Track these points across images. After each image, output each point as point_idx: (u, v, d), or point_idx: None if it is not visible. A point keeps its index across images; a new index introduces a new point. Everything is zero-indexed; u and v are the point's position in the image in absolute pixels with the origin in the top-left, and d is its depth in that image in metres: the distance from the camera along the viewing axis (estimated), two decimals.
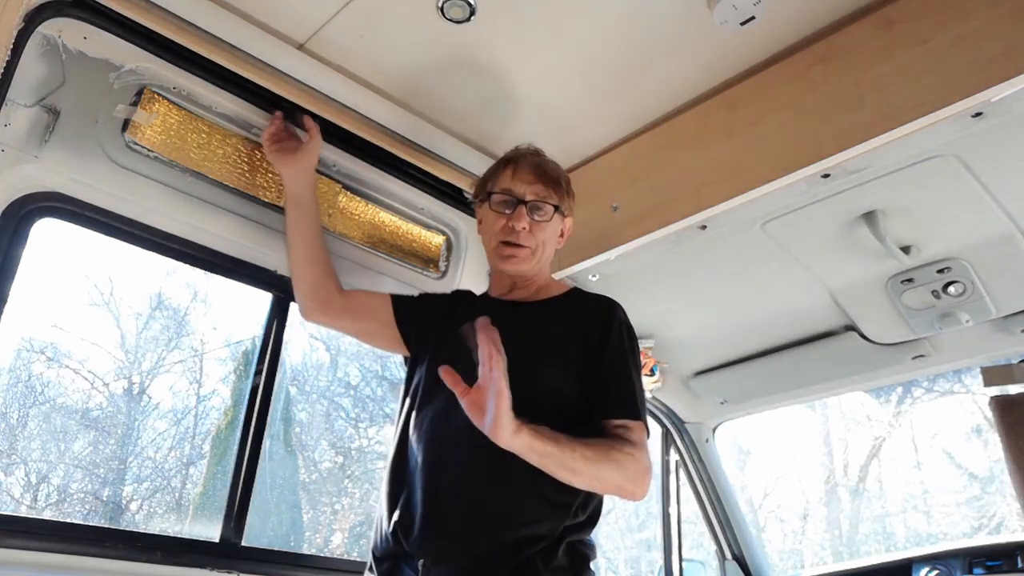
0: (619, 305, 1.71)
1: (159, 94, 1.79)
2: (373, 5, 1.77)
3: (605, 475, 1.43)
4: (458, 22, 1.79)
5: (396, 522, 1.50)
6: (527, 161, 1.75)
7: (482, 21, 1.78)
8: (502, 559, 1.41)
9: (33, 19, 1.56)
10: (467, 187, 2.29)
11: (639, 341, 2.61)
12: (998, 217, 1.92)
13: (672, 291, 2.42)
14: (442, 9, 1.75)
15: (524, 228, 1.69)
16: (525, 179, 1.72)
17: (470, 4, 1.74)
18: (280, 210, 1.95)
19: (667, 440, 3.08)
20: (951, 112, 1.56)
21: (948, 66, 1.56)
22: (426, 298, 1.93)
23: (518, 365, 1.55)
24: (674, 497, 3.06)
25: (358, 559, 2.06)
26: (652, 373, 2.67)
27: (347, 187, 2.13)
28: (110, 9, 1.66)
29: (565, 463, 1.37)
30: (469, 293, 1.92)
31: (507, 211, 1.71)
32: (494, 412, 1.25)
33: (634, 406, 1.55)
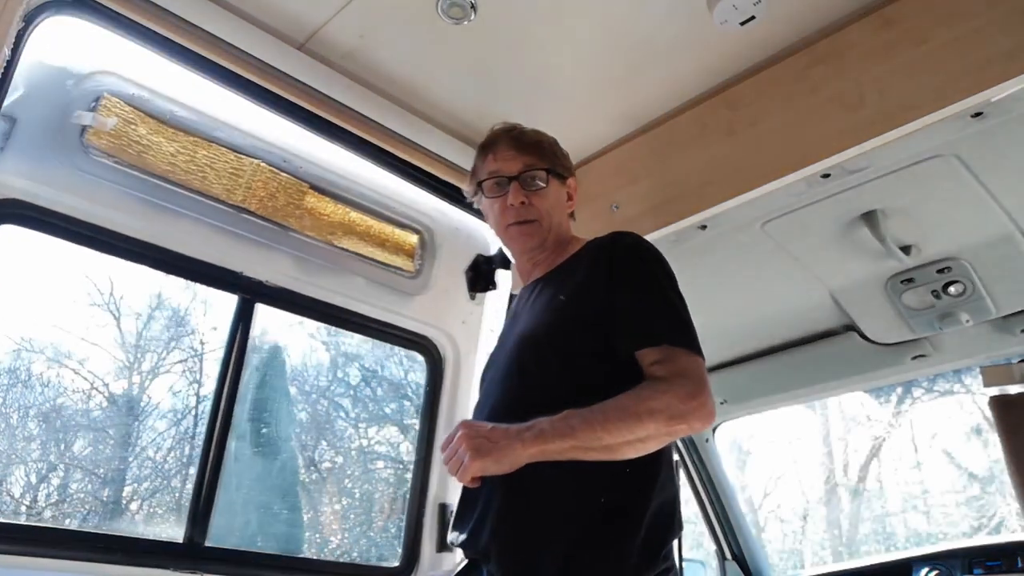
0: (627, 233, 1.57)
1: (118, 100, 1.79)
2: (373, 5, 1.77)
3: (642, 432, 1.27)
4: (458, 22, 1.79)
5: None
6: (503, 139, 1.70)
7: (482, 21, 1.78)
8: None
9: (33, 19, 1.56)
10: (466, 186, 2.30)
11: None
12: (998, 217, 1.91)
13: None
14: (442, 9, 1.75)
15: (523, 201, 1.62)
16: (507, 156, 1.67)
17: (470, 4, 1.74)
18: (248, 212, 1.96)
19: None
20: (951, 112, 1.56)
21: (948, 66, 1.56)
22: None
23: (520, 348, 1.50)
24: None
25: (344, 560, 2.07)
26: None
27: (315, 187, 2.12)
28: (110, 9, 1.66)
29: (591, 446, 1.26)
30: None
31: (501, 193, 1.67)
32: (467, 461, 1.28)
33: (656, 329, 1.37)
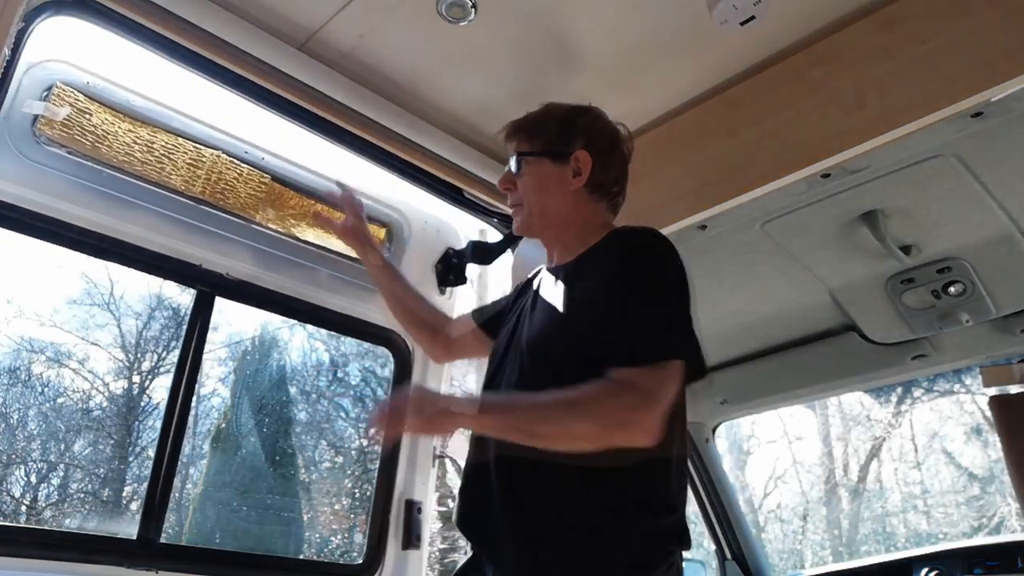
0: (642, 231, 1.50)
1: (71, 88, 1.77)
2: (373, 5, 1.77)
3: (577, 430, 1.28)
4: (458, 22, 1.78)
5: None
6: (509, 127, 1.69)
7: (482, 21, 1.78)
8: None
9: (33, 19, 1.56)
10: (467, 187, 2.29)
11: None
12: (998, 217, 1.91)
13: None
14: (442, 9, 1.75)
15: (508, 189, 1.66)
16: (508, 147, 1.69)
17: (470, 4, 1.74)
18: (207, 203, 1.97)
19: None
20: (951, 112, 1.56)
21: (948, 66, 1.56)
22: (508, 298, 1.86)
23: (532, 342, 1.51)
24: None
25: (312, 558, 2.07)
26: None
27: (277, 178, 2.10)
28: (110, 9, 1.66)
29: (521, 428, 1.30)
30: (540, 271, 1.80)
31: None
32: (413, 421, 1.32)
33: (633, 351, 1.32)
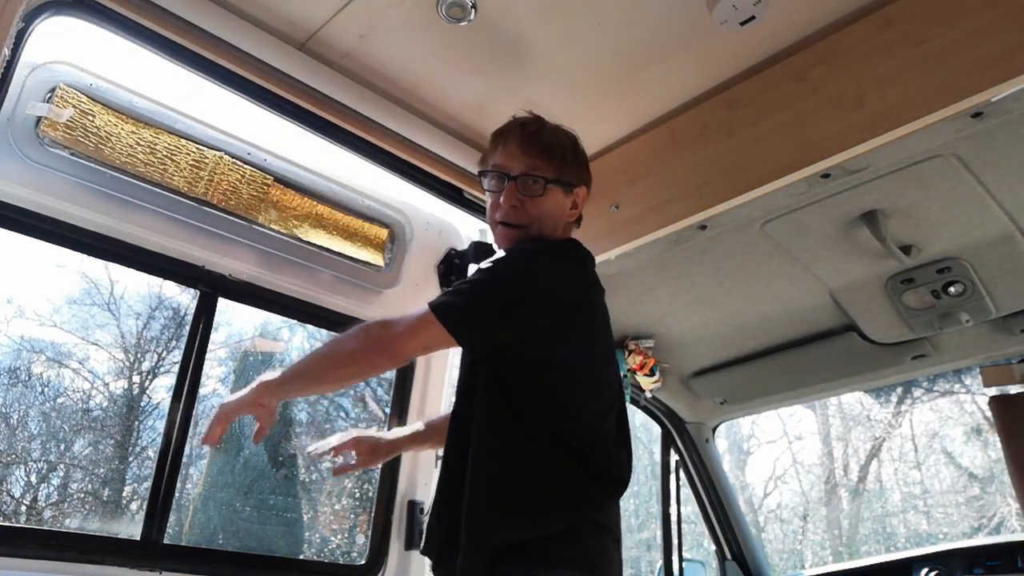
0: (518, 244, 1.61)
1: (74, 90, 1.77)
2: (373, 5, 1.77)
3: (337, 364, 1.49)
4: (458, 22, 1.79)
5: None
6: (515, 134, 1.64)
7: (482, 21, 1.78)
8: None
9: (33, 19, 1.56)
10: (466, 187, 2.29)
11: (640, 341, 2.63)
12: (998, 217, 1.91)
13: (672, 291, 2.42)
14: (442, 9, 1.75)
15: (514, 206, 1.59)
16: (513, 152, 1.61)
17: (470, 4, 1.73)
18: (210, 205, 1.97)
19: (667, 440, 3.08)
20: (951, 112, 1.56)
21: (948, 66, 1.56)
22: None
23: None
24: (674, 497, 3.05)
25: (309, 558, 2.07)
26: (652, 373, 2.67)
27: (280, 179, 2.10)
28: (110, 9, 1.66)
29: (308, 374, 1.50)
30: None
31: (498, 189, 1.62)
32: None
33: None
